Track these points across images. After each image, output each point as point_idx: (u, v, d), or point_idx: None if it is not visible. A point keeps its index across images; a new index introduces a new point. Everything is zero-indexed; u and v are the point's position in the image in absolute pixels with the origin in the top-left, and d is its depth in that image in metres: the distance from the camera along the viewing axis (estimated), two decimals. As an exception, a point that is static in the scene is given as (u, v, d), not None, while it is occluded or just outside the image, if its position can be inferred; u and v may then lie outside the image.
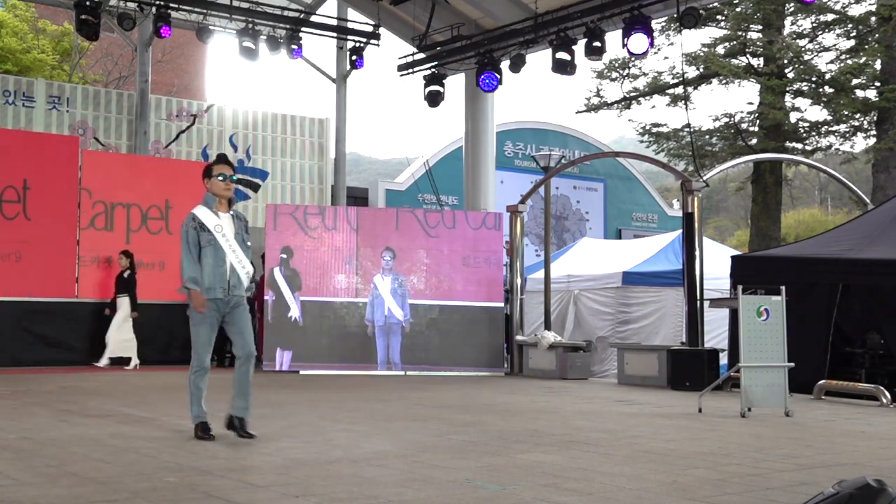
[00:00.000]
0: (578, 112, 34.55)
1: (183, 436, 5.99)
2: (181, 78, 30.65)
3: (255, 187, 20.51)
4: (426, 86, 15.52)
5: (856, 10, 24.17)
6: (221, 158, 6.07)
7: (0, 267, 12.80)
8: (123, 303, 13.00)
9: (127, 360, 12.96)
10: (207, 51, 32.24)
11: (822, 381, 9.89)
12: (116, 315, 12.97)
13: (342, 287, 13.36)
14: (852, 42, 24.39)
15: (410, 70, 16.36)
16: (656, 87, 26.73)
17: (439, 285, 13.58)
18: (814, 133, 25.43)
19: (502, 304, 13.63)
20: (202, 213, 5.94)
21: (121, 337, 12.96)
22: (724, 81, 25.51)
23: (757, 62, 25.40)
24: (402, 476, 4.57)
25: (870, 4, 23.88)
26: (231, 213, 6.05)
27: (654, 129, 27.15)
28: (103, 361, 12.87)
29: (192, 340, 5.90)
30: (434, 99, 15.45)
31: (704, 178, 12.84)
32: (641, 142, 27.92)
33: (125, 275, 13.06)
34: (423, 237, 13.74)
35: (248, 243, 6.10)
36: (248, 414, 5.89)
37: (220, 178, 5.96)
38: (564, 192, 24.96)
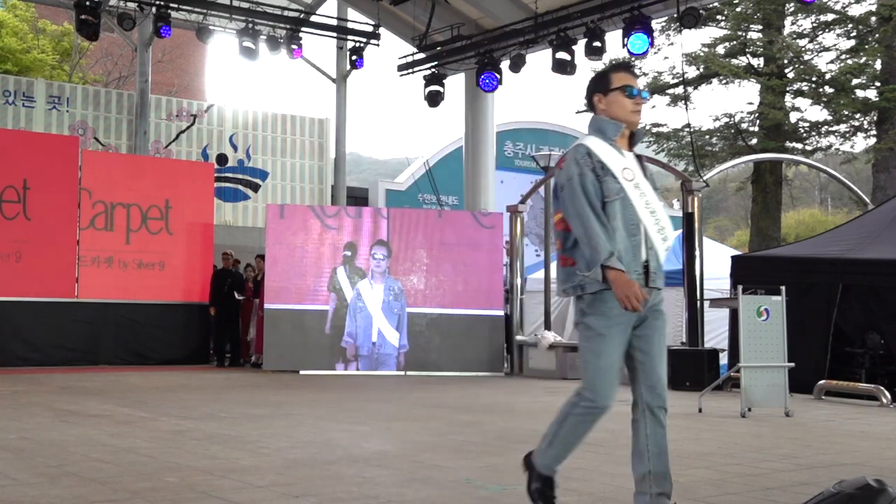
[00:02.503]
0: (578, 112, 34.52)
1: (183, 436, 5.99)
2: (181, 78, 30.65)
3: (256, 187, 20.52)
4: (426, 86, 15.52)
5: (856, 10, 24.19)
6: (623, 65, 3.76)
7: (0, 267, 12.81)
8: None
9: None
10: (207, 51, 32.25)
11: (822, 381, 9.88)
12: None
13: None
14: (852, 42, 24.39)
15: (410, 70, 16.36)
16: (656, 87, 26.70)
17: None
18: (814, 133, 25.42)
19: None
20: (599, 146, 3.54)
21: None
22: (724, 81, 25.50)
23: (757, 62, 25.40)
24: (402, 476, 4.57)
25: (870, 4, 23.88)
26: (633, 152, 3.69)
27: (654, 129, 27.13)
28: None
29: (587, 362, 3.48)
30: (434, 99, 15.46)
31: (704, 178, 12.84)
32: (641, 142, 27.89)
33: None
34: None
35: (661, 200, 3.66)
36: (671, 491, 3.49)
37: (628, 92, 3.59)
38: (564, 192, 24.93)
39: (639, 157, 3.67)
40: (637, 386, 3.48)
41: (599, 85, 3.66)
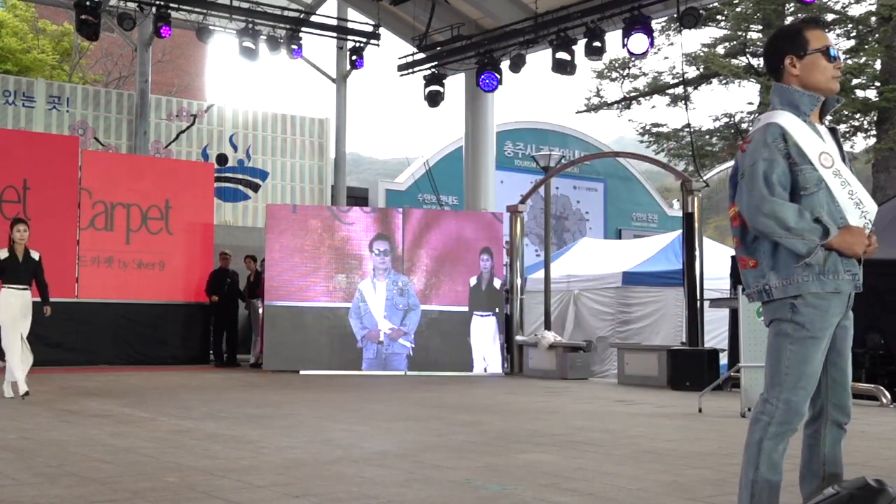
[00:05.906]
0: (578, 112, 34.55)
1: (183, 436, 5.99)
2: (181, 78, 30.64)
3: (256, 187, 20.52)
4: (426, 86, 15.53)
5: (856, 10, 24.21)
6: (815, 21, 3.21)
7: (0, 267, 12.81)
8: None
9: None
10: (207, 51, 32.24)
11: (822, 381, 9.87)
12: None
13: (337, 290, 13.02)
14: (852, 42, 24.41)
15: (410, 70, 16.36)
16: (656, 87, 26.72)
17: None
18: (814, 133, 25.41)
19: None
20: (795, 125, 3.00)
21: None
22: (724, 81, 25.53)
23: (757, 62, 25.41)
24: (402, 476, 4.57)
25: (870, 4, 23.91)
26: (824, 123, 3.16)
27: (654, 129, 27.15)
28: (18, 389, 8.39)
29: (788, 369, 2.94)
30: (434, 99, 15.46)
31: (704, 178, 12.84)
32: (641, 142, 27.92)
33: None
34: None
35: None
36: None
37: (830, 55, 3.07)
38: (564, 192, 24.96)
39: (832, 131, 3.13)
40: (829, 390, 3.08)
41: (794, 45, 3.06)
